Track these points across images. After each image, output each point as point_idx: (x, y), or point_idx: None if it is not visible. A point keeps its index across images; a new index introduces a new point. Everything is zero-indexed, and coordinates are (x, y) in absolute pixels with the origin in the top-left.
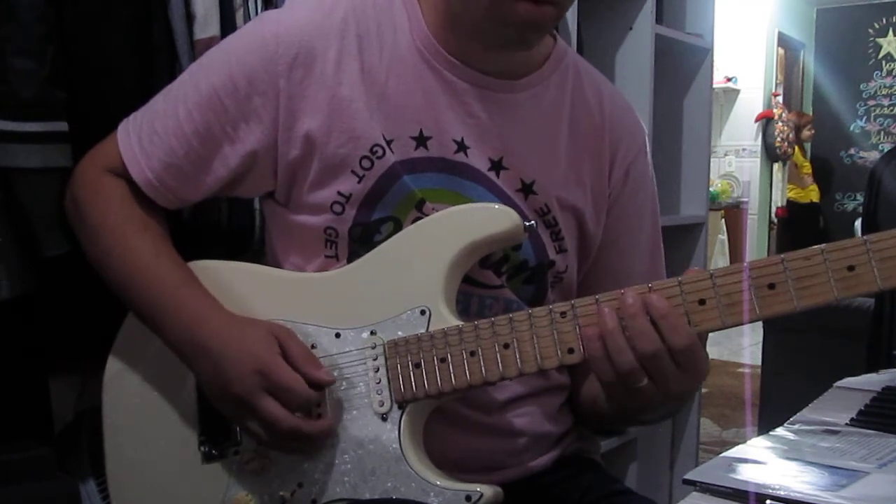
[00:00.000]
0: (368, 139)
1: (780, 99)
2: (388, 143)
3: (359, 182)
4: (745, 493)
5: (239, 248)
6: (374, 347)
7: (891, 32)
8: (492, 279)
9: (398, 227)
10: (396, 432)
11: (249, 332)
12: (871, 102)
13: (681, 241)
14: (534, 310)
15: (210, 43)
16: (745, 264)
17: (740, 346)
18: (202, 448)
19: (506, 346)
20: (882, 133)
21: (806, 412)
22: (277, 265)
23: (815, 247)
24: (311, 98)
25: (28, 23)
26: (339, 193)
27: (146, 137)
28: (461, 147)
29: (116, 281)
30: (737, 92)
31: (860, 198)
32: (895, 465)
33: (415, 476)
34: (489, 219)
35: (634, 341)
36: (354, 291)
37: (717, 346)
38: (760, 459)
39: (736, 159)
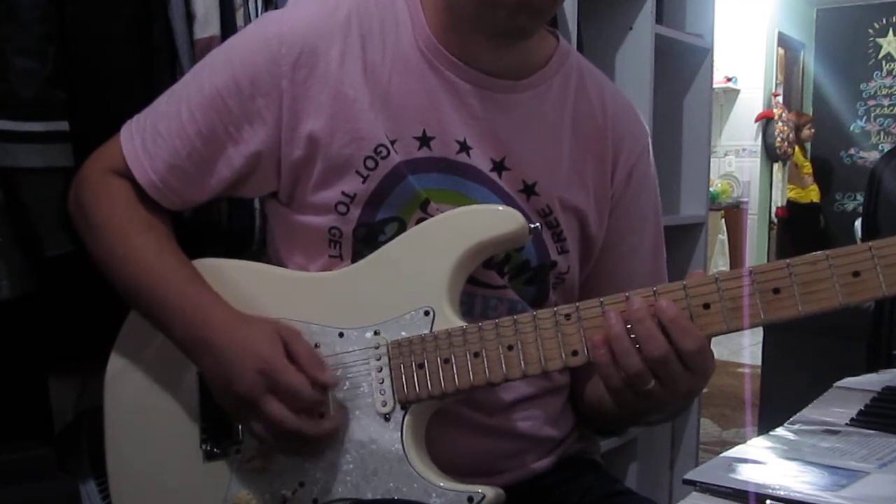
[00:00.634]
0: (372, 139)
1: (780, 99)
2: (392, 143)
3: (363, 182)
4: (745, 493)
5: (239, 248)
6: (377, 347)
7: (891, 32)
8: (495, 279)
9: (402, 227)
10: (399, 433)
11: (255, 331)
12: (871, 102)
13: (681, 241)
14: (538, 312)
15: (210, 43)
16: (750, 268)
17: (740, 346)
18: (203, 447)
19: (510, 347)
20: (882, 133)
21: (806, 412)
22: (281, 265)
23: (821, 252)
24: (314, 98)
25: (29, 23)
26: (344, 194)
27: (149, 139)
28: (463, 147)
29: (121, 280)
30: (737, 92)
31: (860, 198)
32: (895, 465)
33: (417, 477)
34: (494, 220)
35: (642, 345)
36: (358, 291)
37: (717, 346)
38: (760, 459)
39: (736, 159)
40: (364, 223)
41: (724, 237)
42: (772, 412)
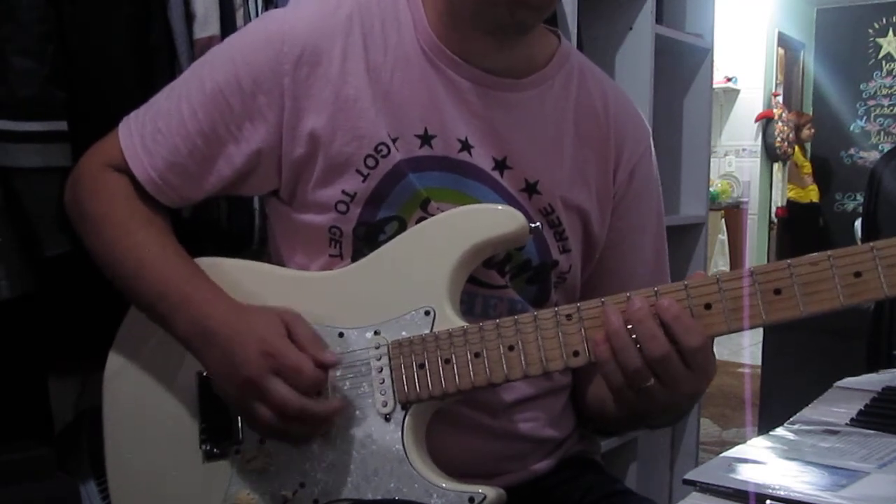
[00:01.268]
0: (374, 138)
1: (780, 99)
2: (394, 141)
3: (363, 181)
4: (745, 493)
5: (238, 247)
6: (378, 347)
7: (891, 32)
8: (496, 279)
9: (403, 226)
10: (400, 433)
11: (257, 317)
12: (871, 102)
13: (681, 241)
14: (539, 312)
15: (210, 42)
16: (751, 269)
17: (740, 346)
18: (203, 447)
19: (510, 347)
20: (882, 133)
21: (806, 412)
22: (281, 264)
23: (822, 253)
24: (316, 96)
25: (28, 23)
26: (344, 192)
27: (149, 136)
28: (465, 146)
29: (121, 275)
30: (737, 92)
31: (860, 198)
32: (895, 465)
33: (417, 477)
34: (494, 220)
35: (643, 345)
36: (359, 291)
37: (717, 346)
38: (760, 459)
39: (736, 159)
40: (364, 222)
41: (723, 237)
42: (772, 412)
